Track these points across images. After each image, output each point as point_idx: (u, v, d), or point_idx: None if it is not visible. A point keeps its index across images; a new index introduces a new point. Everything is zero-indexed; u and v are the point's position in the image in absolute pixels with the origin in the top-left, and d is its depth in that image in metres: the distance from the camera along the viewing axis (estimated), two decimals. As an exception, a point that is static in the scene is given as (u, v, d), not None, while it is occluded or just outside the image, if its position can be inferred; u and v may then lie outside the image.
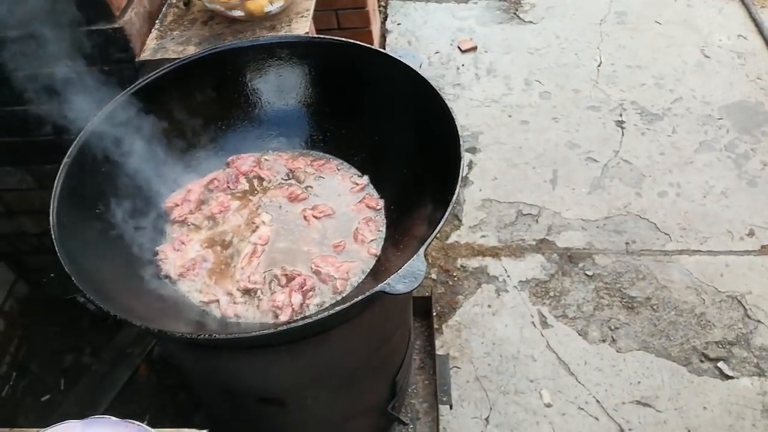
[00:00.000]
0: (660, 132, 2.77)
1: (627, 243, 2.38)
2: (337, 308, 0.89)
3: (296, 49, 1.38)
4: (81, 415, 2.01)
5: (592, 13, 3.41)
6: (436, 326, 2.15)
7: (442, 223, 1.00)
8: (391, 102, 1.34)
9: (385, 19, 3.47)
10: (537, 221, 2.47)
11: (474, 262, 2.37)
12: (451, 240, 2.46)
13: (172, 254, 1.24)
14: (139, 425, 0.82)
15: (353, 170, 1.43)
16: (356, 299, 0.90)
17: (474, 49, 3.24)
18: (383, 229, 1.31)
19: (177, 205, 1.32)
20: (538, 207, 2.52)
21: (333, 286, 1.20)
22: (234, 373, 1.16)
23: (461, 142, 1.12)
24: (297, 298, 1.16)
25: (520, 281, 2.29)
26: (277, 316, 1.16)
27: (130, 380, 2.05)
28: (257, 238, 1.27)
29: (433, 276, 2.33)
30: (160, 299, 1.15)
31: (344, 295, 1.19)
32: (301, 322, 0.88)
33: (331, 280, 1.20)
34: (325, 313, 0.89)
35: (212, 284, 1.22)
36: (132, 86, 1.25)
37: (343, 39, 1.33)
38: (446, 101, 1.19)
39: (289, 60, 1.39)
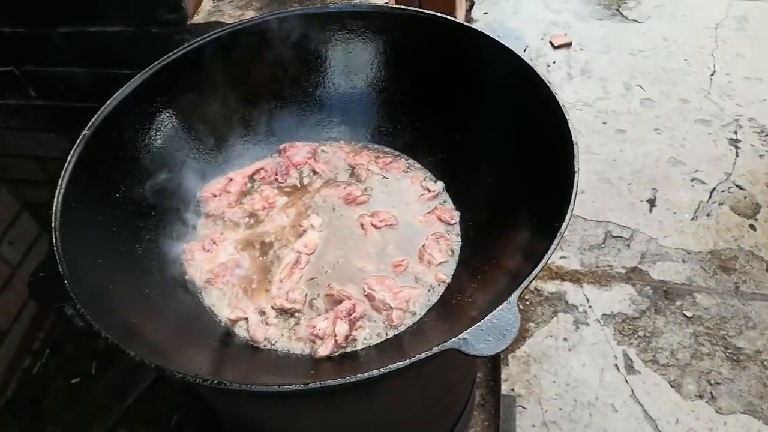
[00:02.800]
0: (784, 155, 2.37)
1: (736, 283, 2.01)
2: (390, 367, 0.65)
3: (371, 21, 1.14)
4: (107, 403, 1.89)
5: (707, 15, 3.00)
6: (501, 356, 1.88)
7: (545, 259, 0.74)
8: (483, 93, 1.08)
9: (472, 6, 3.18)
10: (629, 246, 2.14)
11: (551, 286, 2.07)
12: (524, 257, 2.16)
13: (200, 255, 1.04)
14: None
15: (426, 173, 1.18)
16: (418, 357, 0.65)
17: (568, 45, 2.90)
18: (457, 249, 1.06)
19: (214, 196, 1.12)
20: (630, 230, 2.18)
21: (388, 317, 0.96)
22: (255, 416, 0.94)
23: (576, 152, 0.84)
24: (342, 328, 0.93)
25: (604, 314, 1.97)
26: (315, 347, 0.93)
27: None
28: (302, 246, 1.05)
29: (501, 297, 2.05)
30: (176, 313, 0.94)
31: (400, 330, 0.95)
32: (338, 381, 0.64)
33: (386, 309, 0.96)
34: (373, 373, 0.65)
35: (243, 297, 1.00)
36: (171, 53, 1.05)
37: (429, 12, 1.08)
38: (558, 97, 0.91)
39: (362, 34, 1.16)
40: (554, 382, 1.82)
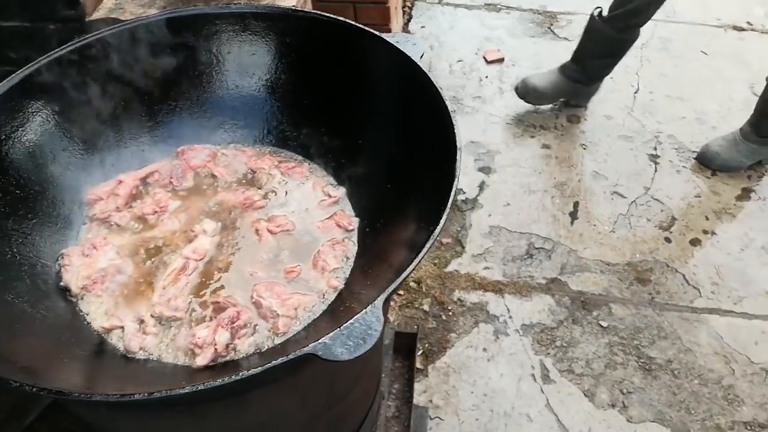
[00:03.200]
0: (698, 172, 2.47)
1: (650, 294, 2.07)
2: (244, 373, 0.62)
3: (274, 23, 1.12)
4: (5, 421, 1.77)
5: (633, 36, 3.12)
6: (420, 366, 1.87)
7: (423, 252, 0.73)
8: (382, 98, 1.08)
9: (409, 20, 3.22)
10: (550, 257, 2.18)
11: (473, 297, 2.08)
12: (450, 268, 2.17)
13: (78, 260, 0.98)
14: None
15: (328, 178, 1.16)
16: (273, 363, 0.62)
17: (501, 60, 2.96)
18: (353, 255, 1.04)
19: (101, 199, 1.06)
20: (552, 241, 2.23)
21: (274, 325, 0.92)
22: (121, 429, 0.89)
23: (459, 156, 0.84)
24: (223, 336, 0.89)
25: (524, 325, 2.00)
26: (194, 356, 0.89)
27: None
28: (191, 251, 1.01)
29: (425, 308, 2.05)
30: (44, 321, 0.88)
31: (287, 337, 0.92)
32: (185, 389, 0.61)
33: (273, 317, 0.93)
34: (225, 379, 0.62)
35: (122, 305, 0.95)
36: (56, 50, 0.99)
37: (330, 15, 1.07)
38: (445, 100, 0.91)
39: (265, 36, 1.14)
40: (472, 392, 1.83)
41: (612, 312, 2.02)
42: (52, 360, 0.83)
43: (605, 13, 2.40)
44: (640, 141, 2.60)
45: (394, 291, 0.70)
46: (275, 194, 1.12)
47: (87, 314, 0.94)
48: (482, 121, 2.67)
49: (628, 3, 2.32)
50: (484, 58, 2.98)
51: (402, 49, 1.01)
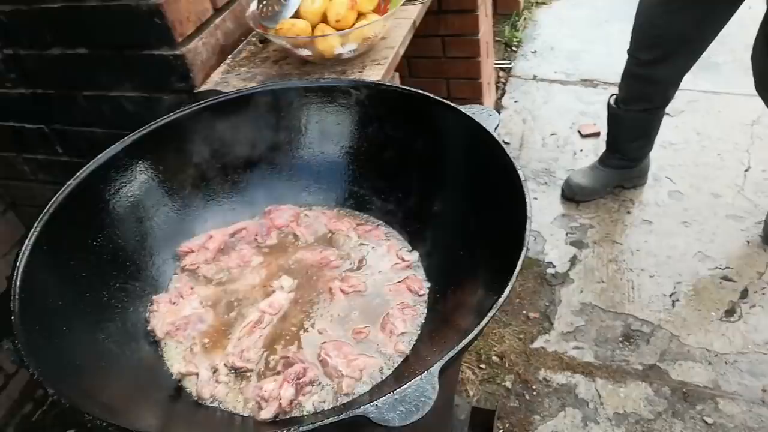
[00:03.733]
0: (822, 257, 2.22)
1: (764, 390, 1.84)
2: (296, 430, 0.62)
3: (360, 96, 1.19)
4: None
5: (743, 111, 2.95)
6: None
7: (485, 321, 0.72)
8: (459, 165, 1.09)
9: (502, 95, 3.27)
10: (648, 342, 2.02)
11: (561, 377, 1.96)
12: (536, 344, 2.07)
13: (165, 307, 1.05)
14: None
15: (403, 243, 1.17)
16: (322, 422, 0.63)
17: (597, 135, 2.90)
18: (421, 320, 1.03)
19: (192, 251, 1.15)
20: (651, 325, 2.07)
21: (338, 385, 0.92)
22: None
23: (528, 225, 0.83)
24: (288, 392, 0.90)
25: (617, 413, 1.84)
26: (260, 409, 0.90)
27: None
28: (267, 305, 1.05)
29: (508, 384, 1.95)
30: (129, 362, 0.95)
31: (350, 399, 0.91)
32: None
33: (338, 377, 0.93)
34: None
35: (200, 352, 1.00)
36: (163, 117, 1.12)
37: (410, 88, 1.12)
38: (520, 171, 0.91)
39: (350, 107, 1.20)
40: (555, 483, 1.69)
41: (719, 407, 1.81)
42: (131, 400, 0.88)
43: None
44: (751, 221, 2.39)
45: (452, 359, 0.68)
46: (351, 255, 1.15)
47: (168, 359, 0.99)
48: (576, 195, 2.60)
49: (636, 92, 2.22)
50: (579, 132, 2.94)
51: (477, 119, 1.03)
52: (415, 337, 1.00)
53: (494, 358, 2.03)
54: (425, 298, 1.06)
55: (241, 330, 1.02)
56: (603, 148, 2.86)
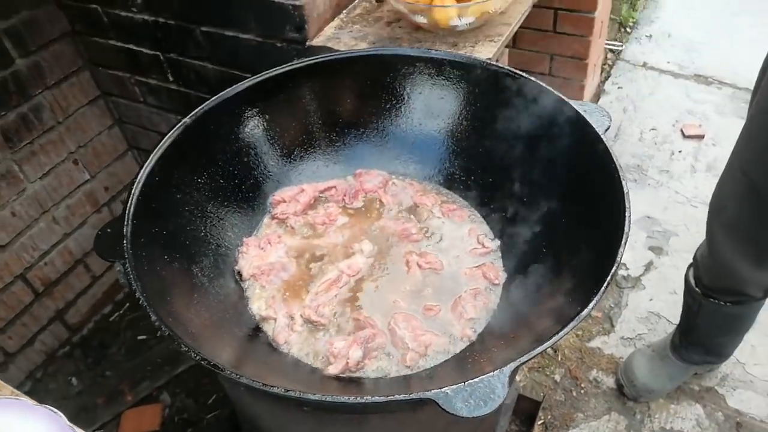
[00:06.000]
0: None
1: (829, 438, 1.76)
2: (366, 399, 0.66)
3: (469, 73, 1.17)
4: (160, 366, 2.03)
5: None
6: (532, 438, 1.79)
7: (566, 331, 0.73)
8: (558, 160, 1.07)
9: (606, 78, 3.11)
10: (710, 363, 1.95)
11: (612, 382, 1.94)
12: (593, 344, 2.05)
13: (254, 251, 1.11)
14: (52, 411, 0.69)
15: (486, 228, 1.18)
16: (395, 397, 0.66)
17: (700, 137, 2.74)
18: (493, 309, 1.04)
19: (284, 201, 1.20)
20: (717, 346, 1.99)
21: (402, 357, 0.96)
22: (253, 410, 0.99)
23: (625, 239, 0.81)
24: (356, 353, 0.95)
25: (663, 428, 1.81)
26: (328, 363, 0.96)
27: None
28: (347, 266, 1.09)
29: (557, 378, 1.96)
30: (216, 296, 1.02)
31: (411, 372, 0.95)
32: (316, 397, 0.67)
33: (403, 348, 0.97)
34: (353, 399, 0.67)
35: (279, 299, 1.06)
36: (278, 67, 1.15)
37: (523, 74, 1.10)
38: (624, 184, 0.89)
39: (457, 83, 1.19)
40: (587, 481, 1.70)
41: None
42: (215, 332, 0.95)
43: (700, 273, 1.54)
44: None
45: (522, 364, 0.70)
46: (432, 231, 1.17)
47: (250, 300, 1.06)
48: (665, 198, 2.49)
49: (722, 278, 1.46)
50: (682, 131, 2.78)
51: (588, 119, 1.00)
52: (484, 326, 1.02)
53: (548, 349, 2.03)
54: (500, 288, 1.07)
55: (320, 285, 1.07)
56: (704, 153, 2.71)
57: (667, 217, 2.41)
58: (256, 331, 1.03)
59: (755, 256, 1.36)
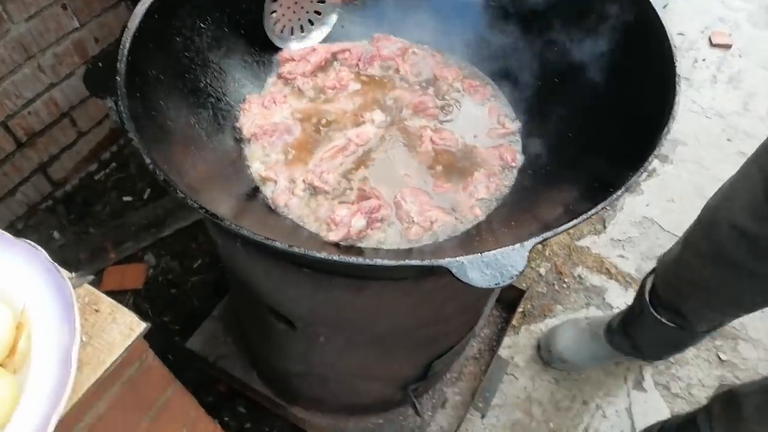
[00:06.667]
0: None
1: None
2: (378, 261, 0.64)
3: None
4: (146, 227, 2.02)
5: None
6: (515, 324, 1.84)
7: (579, 220, 0.69)
8: (603, 41, 0.97)
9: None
10: (695, 272, 1.98)
11: (595, 279, 1.98)
12: (583, 242, 2.06)
13: (257, 109, 1.04)
14: (32, 245, 0.66)
15: (507, 108, 1.11)
16: (407, 262, 0.63)
17: (727, 47, 2.60)
18: (505, 192, 1.00)
19: (292, 60, 1.11)
20: (705, 257, 2.01)
21: (406, 230, 0.93)
22: (246, 270, 0.97)
23: (670, 123, 0.76)
24: (359, 222, 0.91)
25: (637, 328, 1.87)
26: (329, 230, 0.93)
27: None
28: (355, 135, 1.03)
29: (541, 271, 1.99)
30: (214, 151, 0.96)
31: (413, 245, 0.93)
32: (321, 255, 0.64)
33: (408, 222, 0.94)
34: (361, 260, 0.64)
35: (280, 162, 1.01)
36: None
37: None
38: (676, 60, 0.82)
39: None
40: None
41: (737, 348, 1.82)
42: (212, 187, 0.91)
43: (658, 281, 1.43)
44: None
45: (545, 240, 0.67)
46: (450, 107, 1.10)
47: (249, 159, 1.01)
48: (680, 107, 2.40)
49: (679, 296, 1.35)
50: (710, 39, 2.64)
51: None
52: (494, 207, 0.99)
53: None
54: (515, 172, 1.03)
55: (326, 152, 1.01)
56: (729, 64, 2.59)
57: (679, 126, 2.34)
58: (255, 191, 0.98)
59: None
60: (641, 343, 1.57)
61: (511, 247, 0.63)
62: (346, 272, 0.80)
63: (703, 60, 2.56)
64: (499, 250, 0.63)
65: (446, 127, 1.07)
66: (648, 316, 1.44)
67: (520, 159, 1.03)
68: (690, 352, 1.81)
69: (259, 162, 1.00)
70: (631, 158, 0.75)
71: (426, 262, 0.63)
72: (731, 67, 2.53)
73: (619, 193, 0.71)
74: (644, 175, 2.17)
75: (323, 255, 0.64)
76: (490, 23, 1.10)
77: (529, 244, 0.63)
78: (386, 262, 0.63)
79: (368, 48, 1.16)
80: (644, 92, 0.85)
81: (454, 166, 1.03)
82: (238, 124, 1.03)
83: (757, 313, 1.86)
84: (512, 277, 0.61)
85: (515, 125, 1.07)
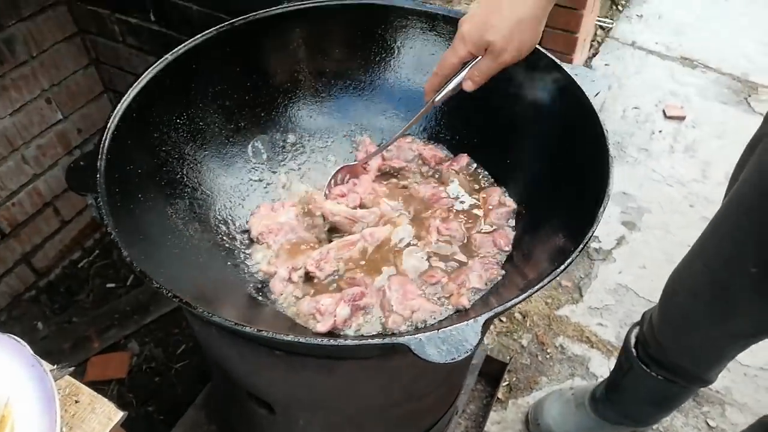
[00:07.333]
0: None
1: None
2: (340, 342, 0.67)
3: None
4: (130, 315, 2.01)
5: None
6: (501, 398, 1.83)
7: (530, 293, 0.73)
8: (544, 124, 1.07)
9: (594, 55, 3.11)
10: (672, 337, 2.01)
11: (577, 348, 1.99)
12: (561, 312, 2.09)
13: (266, 211, 1.11)
14: (16, 340, 0.69)
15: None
16: (368, 341, 0.67)
17: (681, 119, 2.77)
18: (497, 280, 1.01)
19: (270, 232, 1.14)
20: (680, 321, 2.05)
21: (385, 319, 0.95)
22: (223, 355, 0.98)
23: (600, 211, 0.82)
24: (344, 311, 0.93)
25: (622, 396, 1.87)
26: (316, 322, 0.94)
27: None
28: (369, 234, 1.06)
29: (524, 342, 2.00)
30: (191, 241, 1.00)
31: (390, 331, 0.95)
32: (287, 338, 0.67)
33: (388, 311, 0.95)
34: (323, 341, 0.67)
35: (284, 257, 1.04)
36: (260, 11, 1.11)
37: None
38: (609, 148, 0.89)
39: (449, 39, 1.16)
40: (547, 443, 1.75)
41: (725, 414, 1.82)
42: (187, 275, 0.94)
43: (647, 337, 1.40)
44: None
45: (497, 315, 0.70)
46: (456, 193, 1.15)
47: (256, 264, 1.06)
48: (641, 176, 2.52)
49: (673, 352, 1.33)
50: (664, 111, 2.80)
51: (579, 83, 0.99)
52: (482, 295, 1.00)
53: (517, 314, 2.07)
54: (506, 256, 1.05)
55: (336, 244, 1.04)
56: (684, 135, 2.74)
57: (642, 194, 2.45)
58: (243, 283, 1.02)
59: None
60: (628, 406, 1.53)
61: (465, 322, 0.66)
62: (314, 353, 0.82)
63: (660, 131, 2.71)
64: (454, 326, 0.66)
65: (454, 217, 1.10)
66: (637, 370, 1.40)
67: (510, 242, 1.06)
68: (678, 421, 1.80)
69: (262, 260, 1.05)
70: (571, 240, 0.80)
71: (387, 341, 0.66)
72: (686, 138, 2.68)
73: (558, 270, 0.75)
74: (612, 243, 2.24)
75: (290, 337, 0.67)
76: (444, 111, 1.19)
77: (481, 319, 0.67)
78: (348, 342, 0.66)
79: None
80: (585, 177, 0.92)
81: (452, 256, 1.05)
82: (247, 226, 1.09)
83: (741, 376, 1.89)
84: (467, 352, 0.64)
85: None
